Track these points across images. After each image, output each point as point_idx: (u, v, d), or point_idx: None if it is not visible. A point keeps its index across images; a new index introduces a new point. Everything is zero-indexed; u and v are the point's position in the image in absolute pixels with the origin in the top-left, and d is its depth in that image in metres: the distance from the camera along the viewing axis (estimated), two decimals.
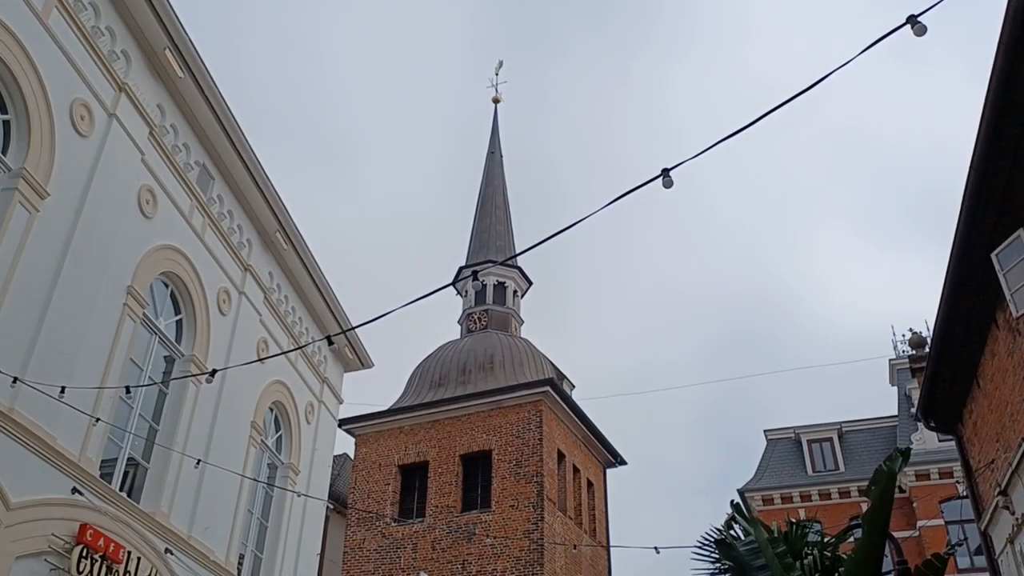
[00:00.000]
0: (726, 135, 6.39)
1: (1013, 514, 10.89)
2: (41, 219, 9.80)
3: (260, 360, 13.20)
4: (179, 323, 13.09)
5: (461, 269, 32.31)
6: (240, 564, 14.09)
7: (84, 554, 9.75)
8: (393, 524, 25.99)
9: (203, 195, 13.50)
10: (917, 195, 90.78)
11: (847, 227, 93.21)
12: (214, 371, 10.15)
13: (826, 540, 12.98)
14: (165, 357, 12.84)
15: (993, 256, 9.76)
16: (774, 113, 6.17)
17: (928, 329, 21.25)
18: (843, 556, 11.61)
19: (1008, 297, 9.63)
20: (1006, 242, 9.62)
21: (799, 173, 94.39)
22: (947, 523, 24.88)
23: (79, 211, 10.47)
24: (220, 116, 13.26)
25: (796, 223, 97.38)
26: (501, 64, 39.79)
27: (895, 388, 30.68)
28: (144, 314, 11.88)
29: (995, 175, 9.15)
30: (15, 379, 9.09)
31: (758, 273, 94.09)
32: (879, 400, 55.78)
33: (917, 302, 76.96)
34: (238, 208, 14.68)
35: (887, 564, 11.68)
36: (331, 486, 20.79)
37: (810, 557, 11.79)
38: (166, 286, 12.86)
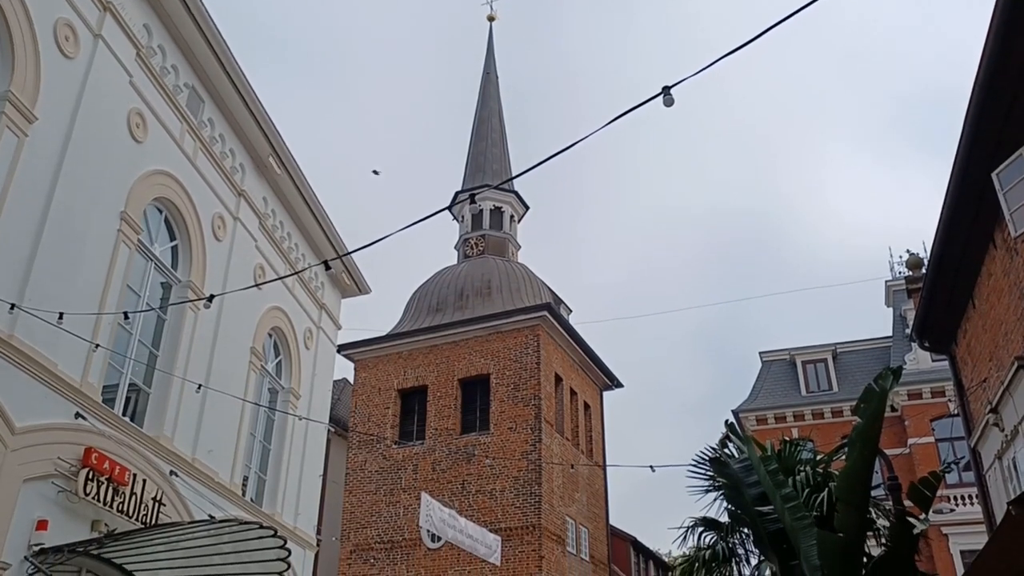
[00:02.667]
0: (727, 51, 6.23)
1: (1003, 431, 11.07)
2: (30, 143, 9.64)
3: (257, 286, 13.20)
4: (174, 249, 13.03)
5: (457, 194, 32.07)
6: (244, 485, 14.38)
7: (90, 476, 9.91)
8: (394, 446, 26.47)
9: (193, 119, 13.27)
10: (923, 108, 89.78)
11: (851, 142, 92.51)
12: (211, 296, 10.15)
13: (818, 458, 13.28)
14: (162, 283, 12.83)
15: (994, 175, 9.67)
16: (778, 24, 6.01)
17: (925, 250, 21.27)
18: (834, 473, 11.89)
19: (1007, 217, 9.58)
20: (1007, 161, 9.52)
21: (805, 85, 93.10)
22: (937, 441, 25.39)
23: (68, 135, 10.30)
24: (208, 36, 12.92)
25: (800, 138, 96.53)
26: None
27: (890, 309, 30.91)
28: (139, 240, 11.81)
29: (1000, 93, 8.99)
30: (12, 306, 9.09)
31: (759, 190, 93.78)
32: (875, 322, 56.34)
33: (916, 222, 77.07)
34: (229, 132, 14.45)
35: (878, 480, 11.97)
36: (332, 410, 21.07)
37: (802, 474, 12.08)
38: (160, 212, 12.75)
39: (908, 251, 25.17)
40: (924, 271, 13.88)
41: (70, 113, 10.37)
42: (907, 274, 21.08)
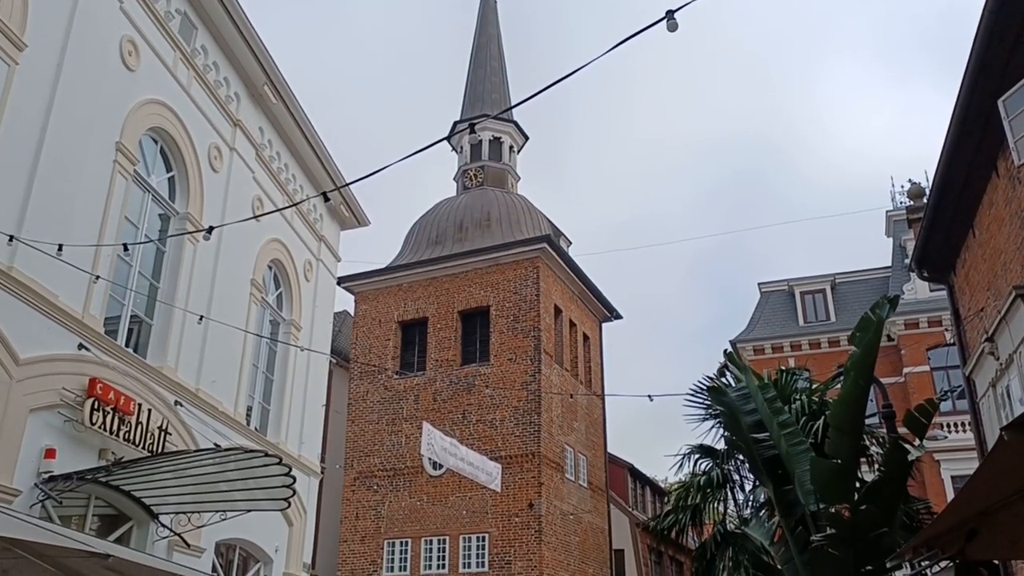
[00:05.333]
0: None
1: (998, 359, 11.17)
2: (21, 72, 9.48)
3: (256, 217, 13.14)
4: (171, 180, 12.93)
5: (456, 124, 31.66)
6: (248, 415, 14.58)
7: (96, 406, 10.04)
8: (395, 377, 26.77)
9: (186, 46, 13.01)
10: (935, 19, 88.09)
11: (859, 58, 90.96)
12: (211, 228, 10.11)
13: (814, 386, 13.45)
14: (160, 215, 12.78)
15: (1000, 102, 9.53)
16: None
17: (927, 180, 21.14)
18: (830, 401, 12.06)
19: (1011, 145, 9.49)
20: (1014, 88, 9.38)
21: (813, 4, 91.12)
22: (933, 369, 25.64)
23: (60, 64, 10.12)
24: None
25: (806, 57, 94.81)
26: None
27: (891, 240, 30.87)
28: (135, 171, 11.71)
29: (1009, 18, 8.80)
30: (11, 237, 9.07)
31: (763, 114, 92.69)
32: (874, 252, 56.43)
33: (919, 151, 76.41)
34: (223, 60, 14.18)
35: (872, 408, 12.13)
36: (333, 342, 21.23)
37: (798, 402, 12.26)
38: (155, 142, 12.61)
39: (910, 180, 25.01)
40: (925, 200, 13.81)
41: (61, 40, 10.17)
42: (908, 204, 20.99)
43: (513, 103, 32.55)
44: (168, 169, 12.87)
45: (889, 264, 30.39)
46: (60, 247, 9.45)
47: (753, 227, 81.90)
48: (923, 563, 6.96)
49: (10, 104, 9.29)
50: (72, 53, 10.27)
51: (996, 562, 10.77)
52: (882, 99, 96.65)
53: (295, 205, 15.80)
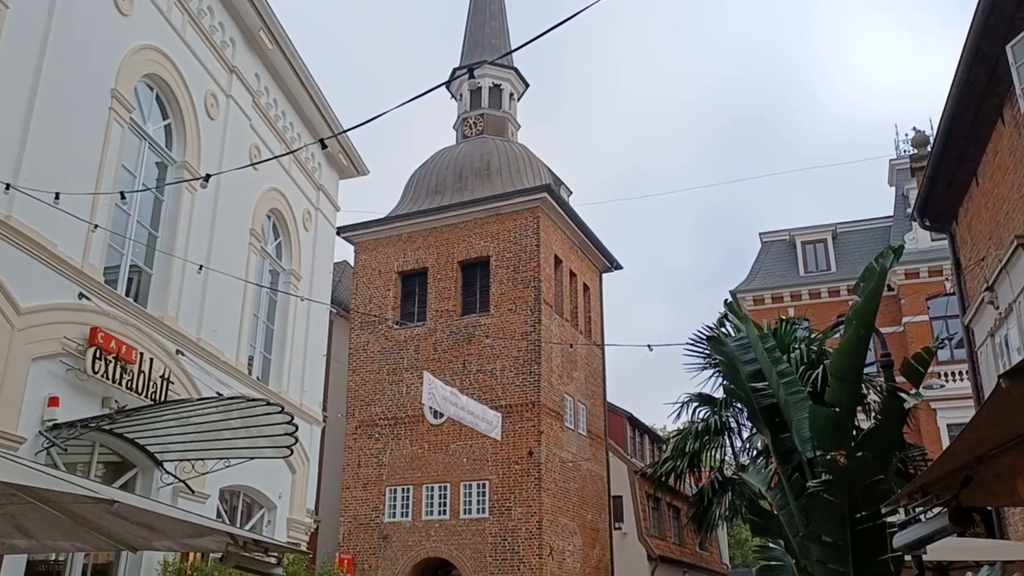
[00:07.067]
0: None
1: (997, 308, 11.19)
2: (12, 17, 9.31)
3: (253, 165, 13.03)
4: (168, 128, 12.79)
5: (455, 70, 31.21)
6: (250, 364, 14.65)
7: (97, 355, 10.08)
8: (395, 327, 26.86)
9: None
10: None
11: (866, 3, 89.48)
12: (208, 176, 10.04)
13: (813, 336, 13.47)
14: (157, 163, 12.66)
15: (1008, 48, 9.38)
16: None
17: (932, 129, 20.91)
18: (829, 350, 12.09)
19: (1019, 92, 9.36)
20: (1023, 34, 9.22)
21: None
22: (932, 319, 25.69)
23: (52, 9, 9.93)
24: None
25: (812, 6, 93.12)
26: None
27: (893, 189, 30.68)
28: (131, 119, 11.57)
29: None
30: (7, 186, 9.01)
31: (766, 64, 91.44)
32: (877, 201, 56.26)
33: (924, 98, 75.60)
34: (218, 4, 13.91)
35: (871, 357, 12.18)
36: (333, 292, 21.24)
37: (797, 351, 12.27)
38: (151, 89, 12.44)
39: (914, 129, 24.75)
40: (929, 149, 13.68)
41: None
42: (912, 152, 20.81)
43: (513, 47, 32.09)
44: (164, 117, 12.72)
45: (891, 214, 30.24)
46: (57, 195, 9.39)
47: (755, 176, 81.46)
48: (917, 509, 7.04)
49: (1, 50, 9.13)
50: None
51: (989, 508, 10.93)
52: (889, 46, 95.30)
53: (292, 152, 15.65)
